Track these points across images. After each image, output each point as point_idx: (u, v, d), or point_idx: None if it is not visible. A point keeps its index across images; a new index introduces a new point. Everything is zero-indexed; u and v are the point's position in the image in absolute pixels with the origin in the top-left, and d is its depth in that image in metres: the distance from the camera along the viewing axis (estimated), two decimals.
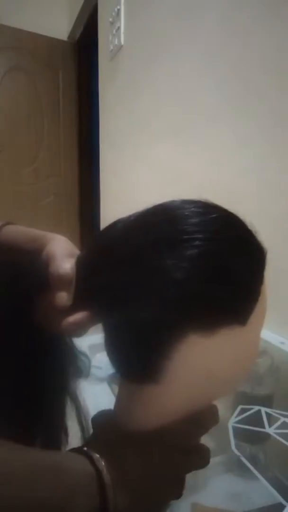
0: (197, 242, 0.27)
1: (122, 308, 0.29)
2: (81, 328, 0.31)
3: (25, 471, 0.23)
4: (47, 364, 0.36)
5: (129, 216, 0.31)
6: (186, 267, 0.27)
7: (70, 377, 0.39)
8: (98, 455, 0.27)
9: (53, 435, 0.39)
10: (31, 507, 0.23)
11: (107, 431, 0.31)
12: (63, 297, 0.32)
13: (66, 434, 0.41)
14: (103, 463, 0.26)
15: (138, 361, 0.30)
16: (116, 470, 0.26)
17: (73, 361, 0.39)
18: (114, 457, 0.27)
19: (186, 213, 0.29)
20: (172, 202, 0.31)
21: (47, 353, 0.35)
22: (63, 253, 0.34)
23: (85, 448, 0.28)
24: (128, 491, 0.26)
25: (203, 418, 0.31)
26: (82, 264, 0.32)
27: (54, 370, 0.37)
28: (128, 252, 0.29)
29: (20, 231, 0.41)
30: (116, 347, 0.32)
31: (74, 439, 0.40)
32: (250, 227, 0.31)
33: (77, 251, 0.36)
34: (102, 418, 0.32)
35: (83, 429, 0.40)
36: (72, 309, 0.31)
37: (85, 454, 0.27)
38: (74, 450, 0.28)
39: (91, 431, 0.32)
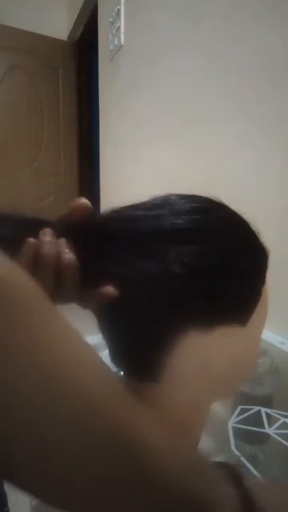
0: (200, 239, 0.27)
1: (122, 300, 0.28)
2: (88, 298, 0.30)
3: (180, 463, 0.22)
4: None
5: (134, 206, 0.31)
6: (188, 262, 0.27)
7: None
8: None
9: None
10: (180, 495, 0.21)
11: None
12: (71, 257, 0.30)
13: None
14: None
15: (139, 357, 0.30)
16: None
17: None
18: None
19: (191, 209, 0.29)
20: (179, 195, 0.31)
21: None
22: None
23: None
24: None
25: None
26: (85, 250, 0.31)
27: None
28: (131, 243, 0.29)
29: None
30: (117, 341, 0.32)
31: None
32: (253, 228, 0.31)
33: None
34: None
35: None
36: (76, 297, 0.30)
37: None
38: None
39: None
